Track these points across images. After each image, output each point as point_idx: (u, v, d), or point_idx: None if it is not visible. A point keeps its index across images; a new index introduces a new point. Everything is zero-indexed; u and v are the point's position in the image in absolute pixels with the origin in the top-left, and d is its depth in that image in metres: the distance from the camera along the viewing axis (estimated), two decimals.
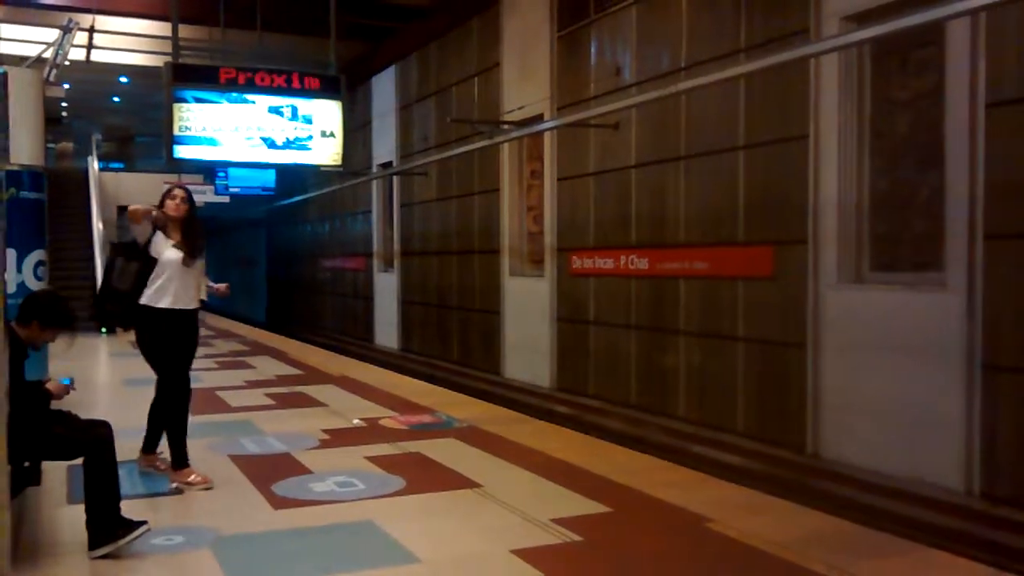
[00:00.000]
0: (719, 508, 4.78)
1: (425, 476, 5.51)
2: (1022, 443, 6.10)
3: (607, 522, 4.62)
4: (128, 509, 4.47)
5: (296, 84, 9.26)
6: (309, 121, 9.30)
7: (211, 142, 8.90)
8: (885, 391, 7.02)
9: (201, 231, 5.52)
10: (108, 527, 4.11)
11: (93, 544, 4.10)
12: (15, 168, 8.59)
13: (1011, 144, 6.13)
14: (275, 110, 9.13)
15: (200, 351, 5.73)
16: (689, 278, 9.17)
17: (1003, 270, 6.19)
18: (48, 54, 13.07)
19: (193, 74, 8.98)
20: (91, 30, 15.38)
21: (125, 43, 17.38)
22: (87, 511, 4.14)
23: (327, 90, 9.46)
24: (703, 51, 8.86)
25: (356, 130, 18.08)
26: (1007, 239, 6.17)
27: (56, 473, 5.35)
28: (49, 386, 4.40)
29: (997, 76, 6.21)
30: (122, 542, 4.08)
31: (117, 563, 4.03)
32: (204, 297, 5.66)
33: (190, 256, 5.33)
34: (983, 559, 4.61)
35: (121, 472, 5.33)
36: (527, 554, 4.06)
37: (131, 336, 5.59)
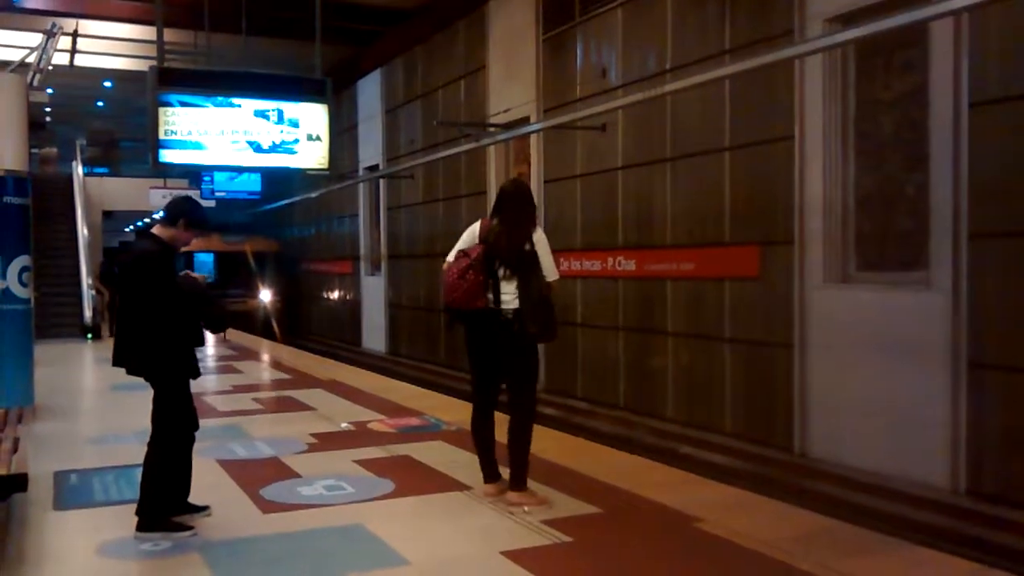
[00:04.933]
0: (708, 508, 4.80)
1: (414, 479, 5.50)
2: (1007, 440, 6.15)
3: (597, 523, 4.62)
4: (119, 514, 4.46)
5: (282, 88, 9.23)
6: (295, 125, 9.26)
7: (197, 146, 8.85)
8: (872, 390, 7.06)
9: None
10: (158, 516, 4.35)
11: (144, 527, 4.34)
12: None
13: (994, 143, 6.18)
14: (261, 114, 9.09)
15: None
16: (676, 279, 9.19)
17: (987, 268, 6.24)
18: (31, 59, 12.95)
19: (178, 78, 8.93)
20: (75, 34, 15.28)
21: (109, 47, 17.30)
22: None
23: (313, 93, 9.42)
24: (688, 53, 8.90)
25: (342, 133, 18.06)
26: (991, 238, 6.22)
27: (43, 481, 5.33)
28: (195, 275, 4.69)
29: (980, 76, 6.26)
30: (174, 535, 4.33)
31: (104, 569, 4.01)
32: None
33: None
34: (969, 556, 4.64)
35: (107, 477, 5.35)
36: (517, 555, 4.06)
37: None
